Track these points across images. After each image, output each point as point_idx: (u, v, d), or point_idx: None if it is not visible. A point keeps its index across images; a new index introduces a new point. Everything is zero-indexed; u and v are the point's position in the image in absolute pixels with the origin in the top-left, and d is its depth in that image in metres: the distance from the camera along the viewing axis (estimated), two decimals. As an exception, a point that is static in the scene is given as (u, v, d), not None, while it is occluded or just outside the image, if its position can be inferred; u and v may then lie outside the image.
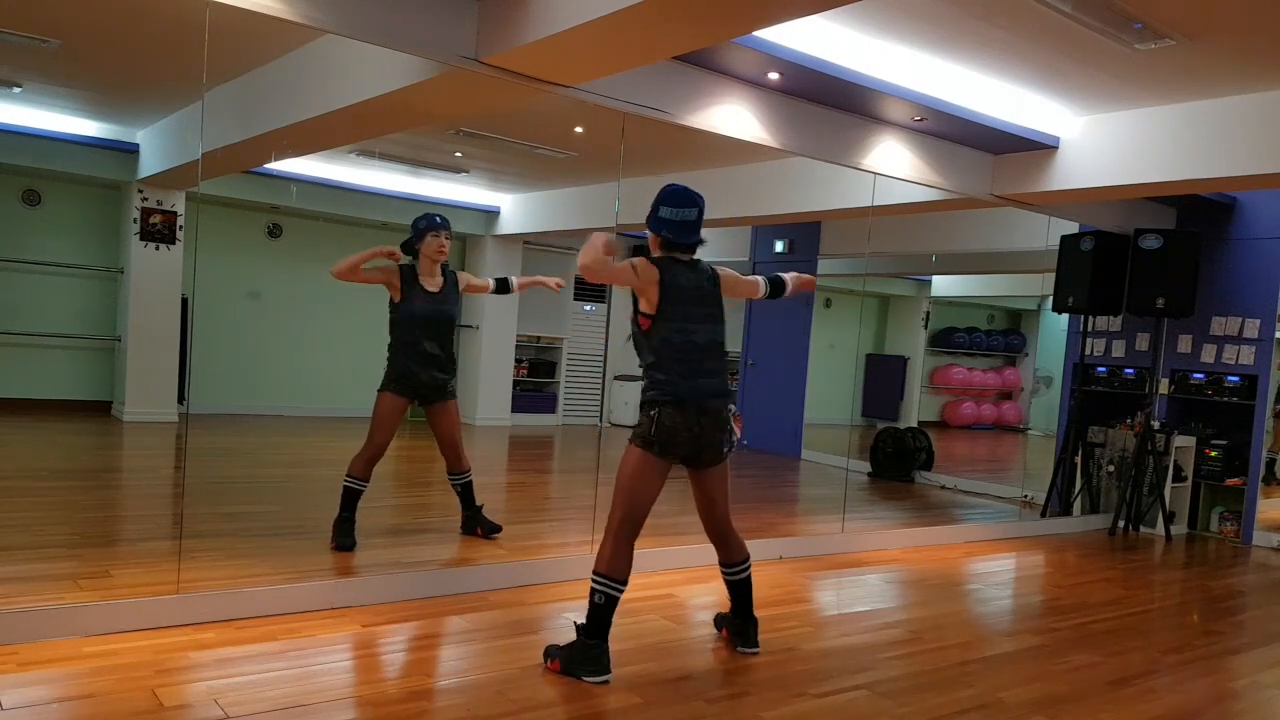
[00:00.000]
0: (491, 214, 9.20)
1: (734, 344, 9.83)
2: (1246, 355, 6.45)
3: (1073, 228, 6.80)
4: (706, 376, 3.16)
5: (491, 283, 4.80)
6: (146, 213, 7.70)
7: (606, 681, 2.99)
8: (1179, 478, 6.68)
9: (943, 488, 7.92)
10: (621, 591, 3.08)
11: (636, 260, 3.12)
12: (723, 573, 3.43)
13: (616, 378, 10.43)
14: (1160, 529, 6.51)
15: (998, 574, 5.25)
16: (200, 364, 7.62)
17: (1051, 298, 6.98)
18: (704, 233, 3.24)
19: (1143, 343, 6.97)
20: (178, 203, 7.85)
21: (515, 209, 9.04)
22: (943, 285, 10.46)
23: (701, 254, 3.31)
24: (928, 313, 10.48)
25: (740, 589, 3.41)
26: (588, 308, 10.54)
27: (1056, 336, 8.55)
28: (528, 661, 3.13)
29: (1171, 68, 4.39)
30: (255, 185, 7.44)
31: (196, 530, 4.18)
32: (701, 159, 6.40)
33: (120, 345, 7.76)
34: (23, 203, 7.51)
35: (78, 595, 3.36)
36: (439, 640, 3.41)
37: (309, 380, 8.28)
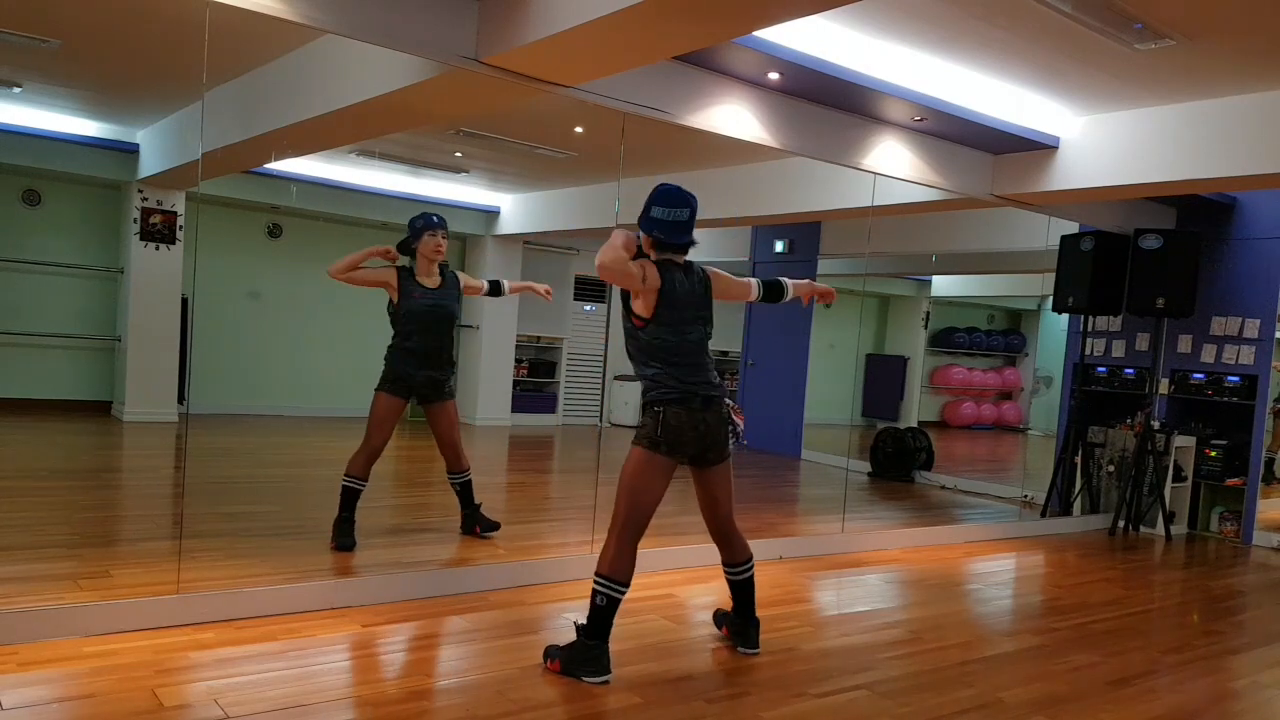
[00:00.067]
0: (491, 214, 9.20)
1: (734, 344, 9.84)
2: (1246, 355, 6.45)
3: (1073, 228, 6.80)
4: (702, 374, 3.17)
5: (486, 284, 4.80)
6: (146, 213, 7.70)
7: (606, 682, 2.99)
8: (1179, 478, 6.68)
9: (943, 488, 7.92)
10: (623, 593, 3.07)
11: (645, 264, 3.12)
12: (726, 572, 3.42)
13: (616, 378, 10.43)
14: (1160, 529, 6.51)
15: (998, 574, 5.25)
16: (200, 364, 7.61)
17: (1051, 298, 6.98)
18: (700, 233, 3.23)
19: (1143, 343, 6.97)
20: (178, 203, 7.85)
21: (515, 209, 9.04)
22: (943, 285, 10.46)
23: (700, 254, 3.30)
24: (928, 313, 10.48)
25: (743, 589, 3.41)
26: (588, 308, 10.55)
27: (1056, 336, 8.55)
28: (528, 661, 3.13)
29: (1171, 68, 4.39)
30: (255, 185, 7.44)
31: (196, 530, 4.18)
32: (701, 159, 6.40)
33: (120, 345, 7.76)
34: (23, 203, 7.51)
35: (78, 595, 3.36)
36: (439, 640, 3.41)
37: (309, 380, 8.27)
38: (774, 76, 4.48)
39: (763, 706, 2.92)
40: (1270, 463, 7.84)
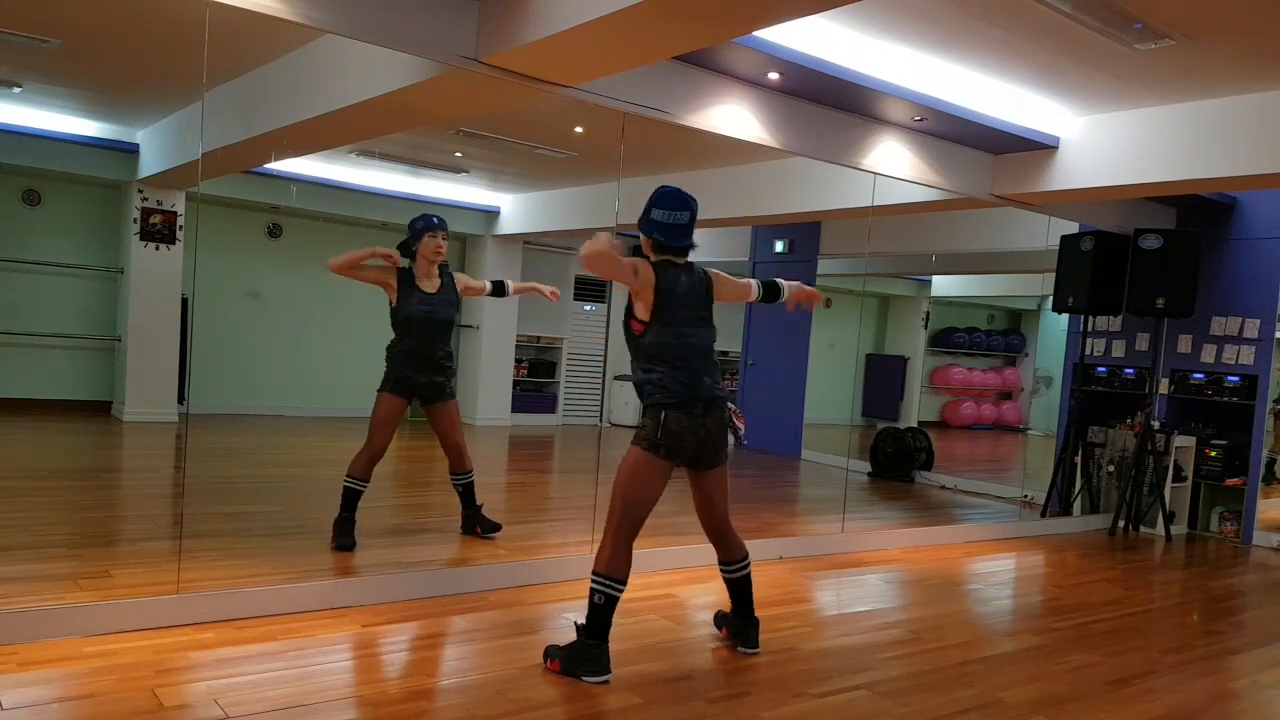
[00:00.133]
0: (491, 214, 9.19)
1: (734, 344, 9.84)
2: (1246, 355, 6.45)
3: (1073, 228, 6.80)
4: (705, 377, 3.17)
5: (488, 285, 4.77)
6: (146, 213, 7.70)
7: (606, 681, 2.99)
8: (1179, 478, 6.68)
9: (943, 488, 7.92)
10: (621, 591, 3.08)
11: (638, 261, 3.12)
12: (722, 571, 3.43)
13: (616, 378, 10.42)
14: (1160, 529, 6.51)
15: (998, 574, 5.25)
16: (200, 364, 7.61)
17: (1051, 298, 6.98)
18: (700, 233, 3.23)
19: (1143, 343, 6.97)
20: (178, 203, 7.85)
21: (515, 209, 9.03)
22: (943, 285, 10.46)
23: (700, 254, 3.30)
24: (928, 313, 10.48)
25: (740, 587, 3.41)
26: (588, 308, 10.54)
27: (1056, 336, 8.55)
28: (528, 661, 3.13)
29: (1171, 68, 4.38)
30: (255, 185, 7.43)
31: (196, 530, 4.18)
32: (701, 159, 6.40)
33: (120, 345, 7.76)
34: (23, 203, 7.51)
35: (78, 595, 3.36)
36: (439, 640, 3.41)
37: (309, 380, 8.27)
38: (774, 76, 4.48)
39: (763, 706, 2.92)
40: (1270, 463, 7.84)
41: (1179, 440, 6.61)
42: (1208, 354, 6.63)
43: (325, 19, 3.36)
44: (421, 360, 4.40)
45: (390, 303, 4.39)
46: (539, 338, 10.10)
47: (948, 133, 5.27)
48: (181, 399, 7.52)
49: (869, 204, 5.68)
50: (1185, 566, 5.72)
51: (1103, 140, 5.23)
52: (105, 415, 7.78)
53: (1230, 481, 6.50)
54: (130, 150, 7.41)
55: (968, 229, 7.67)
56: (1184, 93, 4.76)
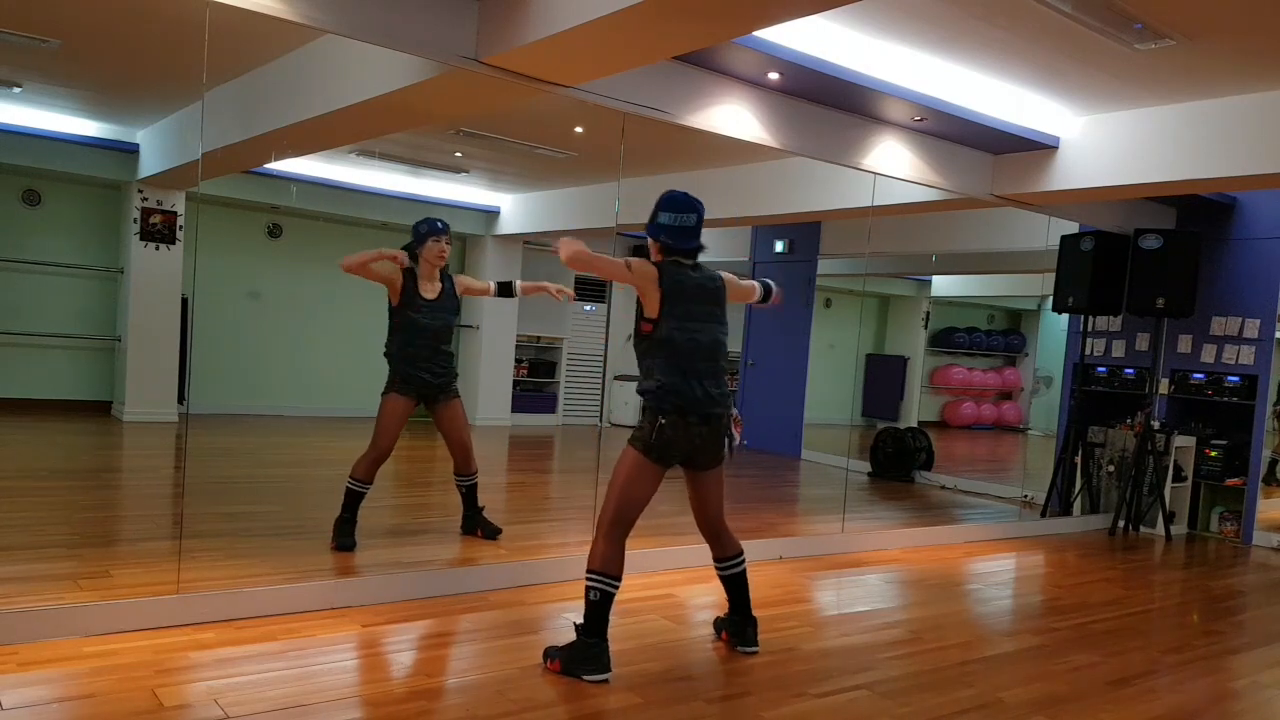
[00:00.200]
0: (491, 214, 9.19)
1: (734, 344, 9.82)
2: (1246, 355, 6.45)
3: (1073, 228, 6.80)
4: (709, 380, 3.17)
5: (493, 286, 4.75)
6: (146, 213, 7.70)
7: (606, 680, 3.00)
8: (1179, 478, 6.68)
9: (943, 488, 7.92)
10: (616, 587, 3.08)
11: (633, 258, 3.14)
12: (717, 568, 3.44)
13: (616, 378, 10.43)
14: (1160, 529, 6.51)
15: (998, 574, 5.25)
16: (200, 364, 7.61)
17: (1051, 298, 6.98)
18: (703, 235, 3.25)
19: (1143, 343, 6.97)
20: (178, 203, 7.85)
21: (515, 209, 9.03)
22: (943, 285, 10.46)
23: (701, 254, 3.31)
24: (928, 313, 10.48)
25: (736, 585, 3.42)
26: (588, 308, 10.54)
27: (1056, 336, 8.55)
28: (528, 661, 3.13)
29: (1171, 68, 4.38)
30: (255, 185, 7.44)
31: (196, 530, 4.18)
32: (701, 159, 6.40)
33: (120, 345, 7.76)
34: (23, 203, 7.51)
35: (78, 595, 3.36)
36: (439, 640, 3.41)
37: (309, 380, 8.27)
38: (774, 76, 4.48)
39: (763, 706, 2.92)
40: (1271, 463, 7.84)
41: (1179, 440, 6.61)
42: (1208, 354, 6.63)
43: (325, 19, 3.36)
44: (423, 364, 4.39)
45: (390, 301, 4.39)
46: (539, 338, 10.10)
47: (948, 133, 5.27)
48: (181, 399, 7.52)
49: (869, 204, 5.69)
50: (1185, 566, 5.72)
51: (1103, 140, 5.23)
52: (105, 415, 7.78)
53: (1230, 481, 6.50)
54: (130, 150, 7.41)
55: (968, 229, 7.67)
56: (1184, 93, 4.76)
